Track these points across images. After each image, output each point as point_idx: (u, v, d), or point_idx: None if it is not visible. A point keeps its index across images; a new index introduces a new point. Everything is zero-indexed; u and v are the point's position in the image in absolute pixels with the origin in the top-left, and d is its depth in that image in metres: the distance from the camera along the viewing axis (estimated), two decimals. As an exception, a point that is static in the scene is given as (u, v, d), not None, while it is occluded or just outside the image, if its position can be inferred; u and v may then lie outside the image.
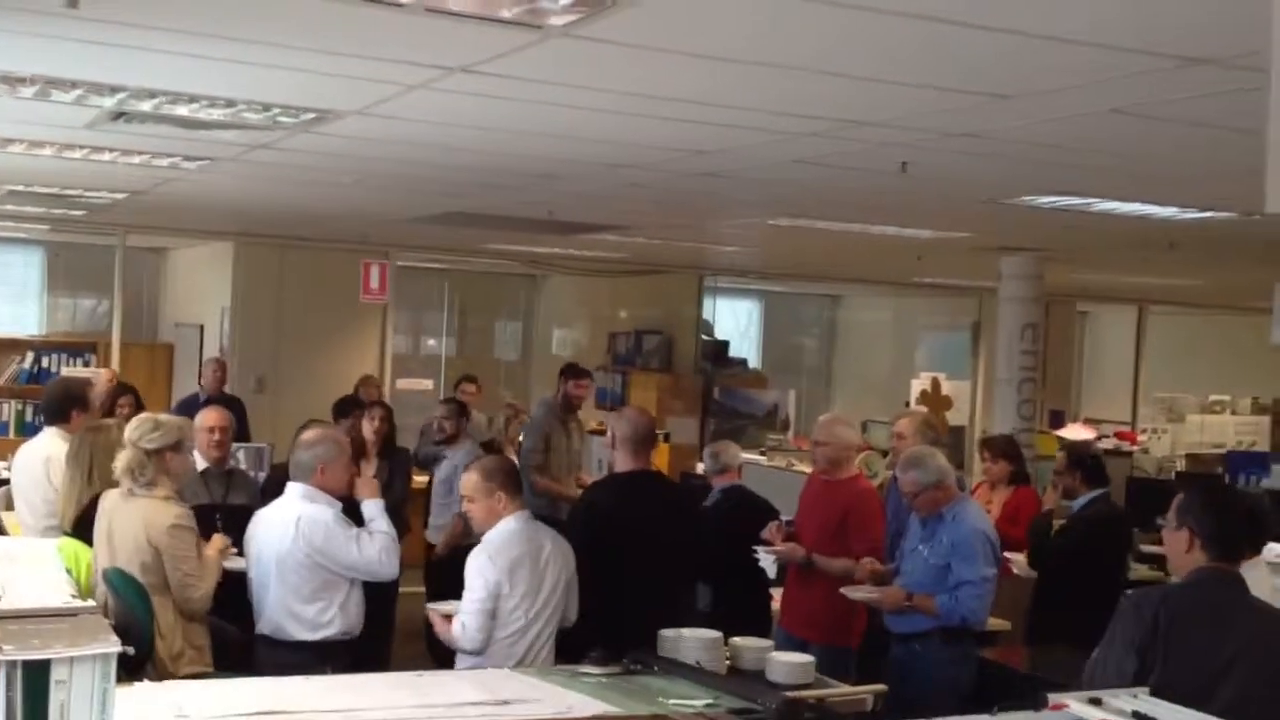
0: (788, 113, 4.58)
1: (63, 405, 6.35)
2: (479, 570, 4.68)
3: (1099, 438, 13.08)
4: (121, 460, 4.84)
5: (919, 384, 13.20)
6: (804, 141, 5.12)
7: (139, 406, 7.97)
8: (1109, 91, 3.94)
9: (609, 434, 5.43)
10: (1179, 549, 3.80)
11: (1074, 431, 13.07)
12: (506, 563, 4.69)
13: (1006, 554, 6.16)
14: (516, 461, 8.19)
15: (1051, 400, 14.60)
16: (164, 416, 5.07)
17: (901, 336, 16.68)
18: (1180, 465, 12.93)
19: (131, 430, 4.90)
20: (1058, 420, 14.23)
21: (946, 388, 12.97)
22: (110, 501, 4.91)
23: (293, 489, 4.99)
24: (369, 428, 7.40)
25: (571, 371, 8.60)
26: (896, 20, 3.24)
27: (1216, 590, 3.66)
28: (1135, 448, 13.28)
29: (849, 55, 3.72)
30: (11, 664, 2.34)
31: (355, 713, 3.82)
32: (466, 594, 4.69)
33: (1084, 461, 6.60)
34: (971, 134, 4.78)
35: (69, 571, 4.73)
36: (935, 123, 4.61)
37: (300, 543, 4.77)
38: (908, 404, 12.71)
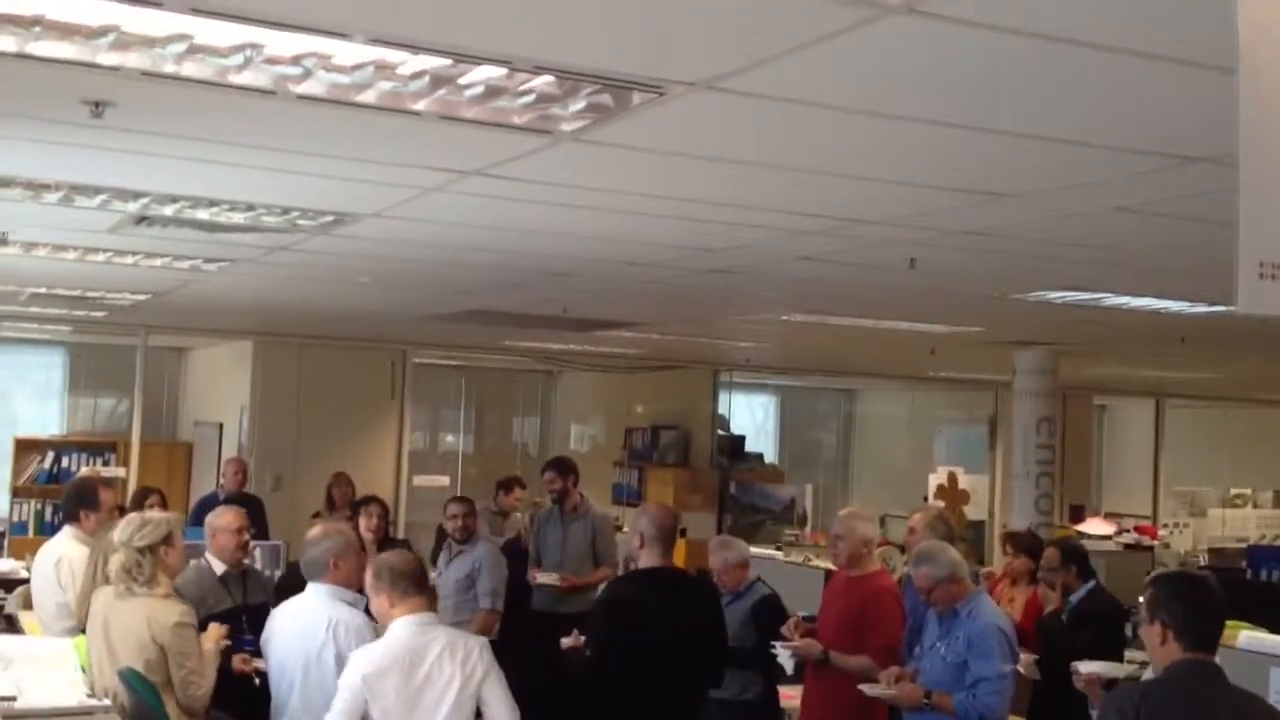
0: (795, 211, 4.66)
1: (74, 505, 6.39)
2: (344, 673, 4.48)
3: (1119, 532, 12.97)
4: (115, 562, 4.84)
5: (936, 478, 13.14)
6: (812, 239, 5.20)
7: (165, 507, 7.98)
8: (1111, 190, 4.00)
9: (633, 531, 5.43)
10: (1155, 643, 3.77)
11: (1093, 526, 12.96)
12: (366, 670, 4.42)
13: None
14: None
15: (1071, 494, 14.50)
16: (151, 514, 5.09)
17: (918, 430, 16.64)
18: (1203, 560, 12.80)
19: (121, 532, 4.91)
20: (1078, 514, 14.11)
21: (964, 481, 12.91)
22: (104, 601, 4.90)
23: (314, 589, 4.97)
24: (365, 524, 7.40)
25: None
26: (899, 124, 3.32)
27: (1194, 682, 3.63)
28: (1156, 542, 13.15)
29: (853, 157, 3.79)
30: (25, 764, 2.31)
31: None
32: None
33: (1076, 555, 6.60)
34: (977, 231, 4.84)
35: (84, 670, 4.74)
36: (941, 221, 4.67)
37: (332, 647, 4.72)
38: (925, 498, 12.64)
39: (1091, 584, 6.51)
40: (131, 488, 10.02)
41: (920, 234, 4.94)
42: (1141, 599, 3.80)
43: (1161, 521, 14.57)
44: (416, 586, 4.56)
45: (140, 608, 4.76)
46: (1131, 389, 15.03)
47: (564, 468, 8.51)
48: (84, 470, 11.60)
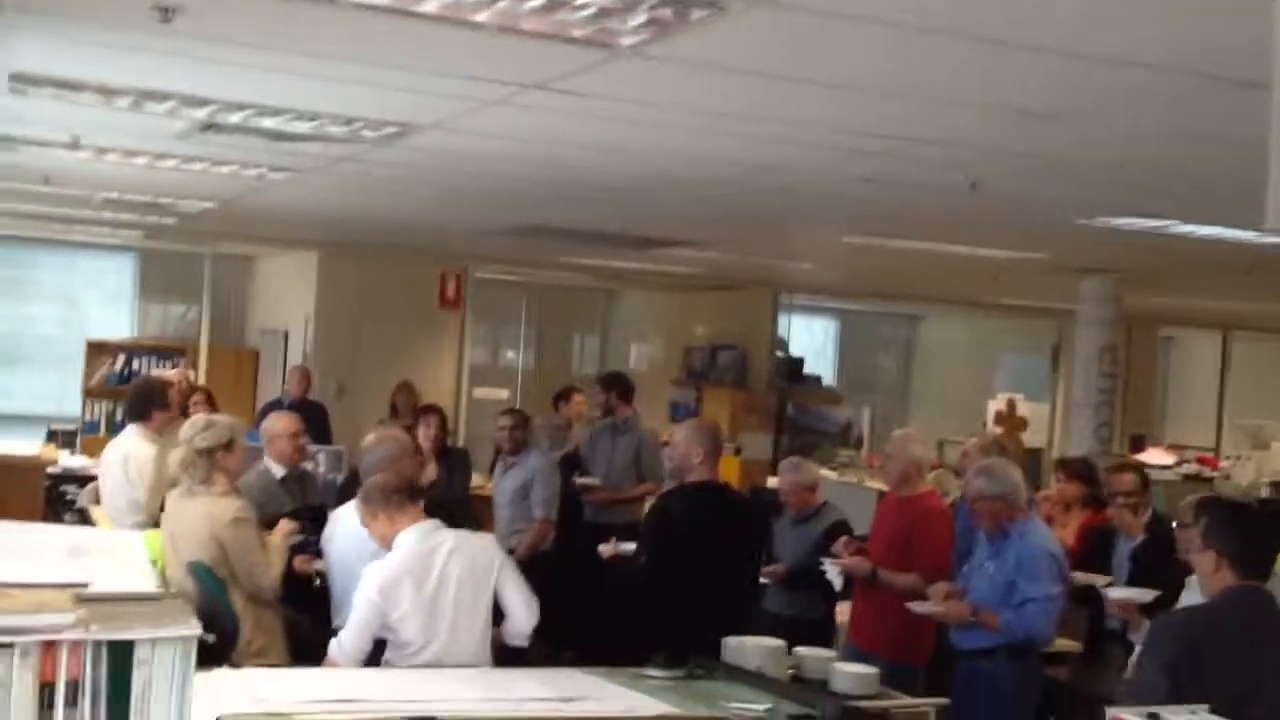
0: (855, 131, 4.65)
1: (143, 405, 6.58)
2: (359, 589, 4.59)
3: (1180, 462, 12.89)
4: (174, 458, 5.02)
5: (995, 405, 13.12)
6: (871, 159, 5.18)
7: (212, 405, 8.16)
8: (1179, 113, 3.96)
9: (678, 444, 5.51)
10: (1207, 570, 3.79)
11: (1154, 456, 12.88)
12: (380, 582, 4.53)
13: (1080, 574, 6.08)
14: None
15: (1133, 425, 14.41)
16: (217, 417, 5.24)
17: (980, 357, 16.56)
18: (1265, 492, 12.70)
19: (186, 430, 5.08)
20: (1138, 445, 14.04)
21: (1023, 409, 12.88)
22: (171, 502, 5.08)
23: None
24: (423, 434, 7.54)
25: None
26: (963, 43, 3.31)
27: (1245, 609, 3.65)
28: (1217, 473, 13.06)
29: (916, 76, 3.78)
30: (98, 644, 2.41)
31: (426, 704, 3.94)
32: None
33: (1148, 481, 6.51)
34: (1041, 154, 4.81)
35: (154, 564, 4.91)
36: (1004, 143, 4.65)
37: None
38: (984, 424, 12.63)
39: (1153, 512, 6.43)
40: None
41: (983, 156, 4.91)
42: (1176, 523, 3.83)
43: (1224, 454, 14.45)
44: (410, 498, 4.66)
45: (200, 506, 4.93)
46: (1198, 320, 14.84)
47: (608, 382, 8.70)
48: (158, 374, 11.89)
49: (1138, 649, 4.45)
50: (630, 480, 8.33)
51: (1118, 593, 5.07)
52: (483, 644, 4.60)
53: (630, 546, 5.50)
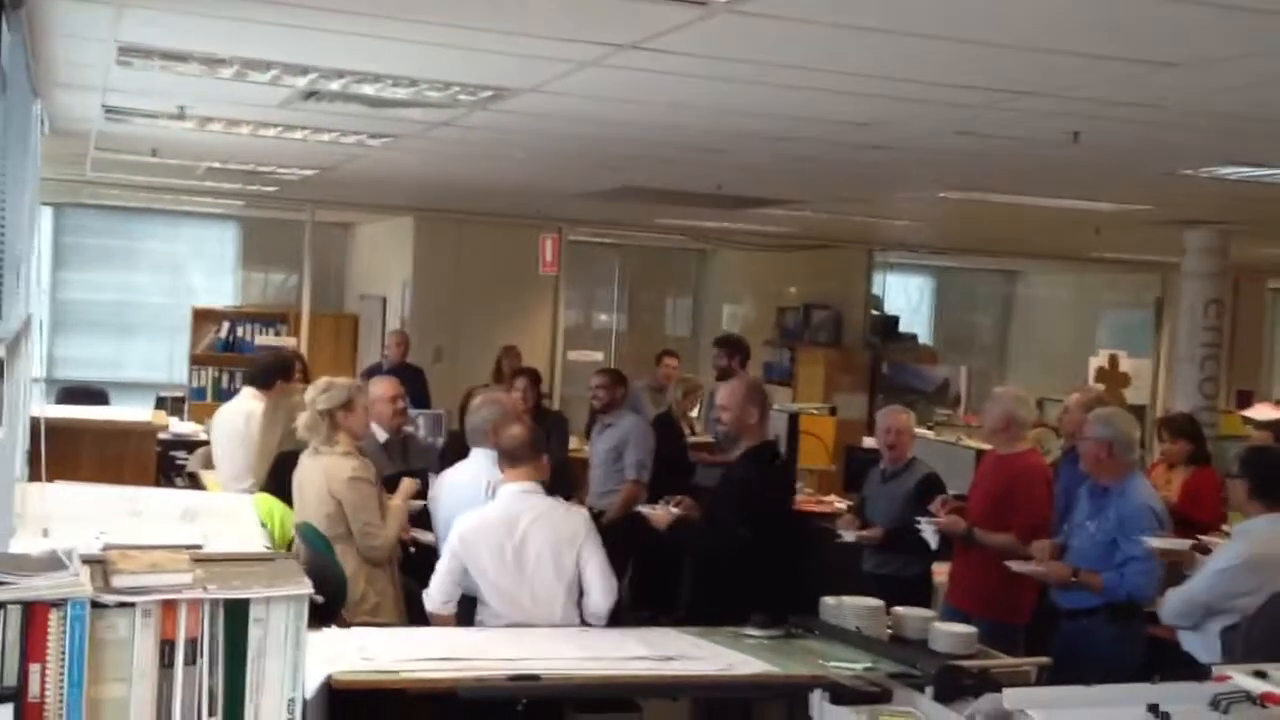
0: (953, 84, 4.58)
1: (270, 374, 6.74)
2: (449, 536, 4.78)
3: (1289, 418, 12.56)
4: (301, 420, 5.16)
5: (1096, 361, 12.87)
6: (970, 113, 5.10)
7: (305, 372, 8.30)
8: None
9: (732, 407, 5.43)
10: None
11: (1261, 411, 12.55)
12: (464, 531, 4.69)
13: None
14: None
15: (1239, 380, 14.07)
16: (339, 379, 5.34)
17: (1081, 313, 16.26)
18: (1376, 449, 12.34)
19: (309, 393, 5.22)
20: (1245, 400, 13.70)
21: (1125, 365, 12.61)
22: (303, 459, 5.22)
23: (476, 454, 5.28)
24: (515, 398, 7.61)
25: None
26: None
27: None
28: (1325, 429, 12.71)
29: (1015, 24, 3.71)
30: (215, 603, 2.48)
31: (526, 662, 4.01)
32: None
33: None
34: (1144, 104, 4.69)
35: (264, 525, 5.05)
36: (1106, 92, 4.54)
37: None
38: (1085, 381, 12.41)
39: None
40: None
41: (1084, 106, 4.80)
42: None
43: (1334, 409, 14.05)
44: (521, 458, 4.80)
45: (321, 464, 5.06)
46: (1308, 272, 14.44)
47: (729, 346, 8.74)
48: (262, 340, 12.17)
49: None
50: None
51: (1157, 542, 5.01)
52: (567, 614, 4.65)
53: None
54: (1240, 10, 3.35)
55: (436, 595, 4.75)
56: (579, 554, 4.65)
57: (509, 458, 4.83)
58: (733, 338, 8.99)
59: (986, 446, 6.69)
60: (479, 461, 5.27)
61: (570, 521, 4.72)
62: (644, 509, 5.78)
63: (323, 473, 5.03)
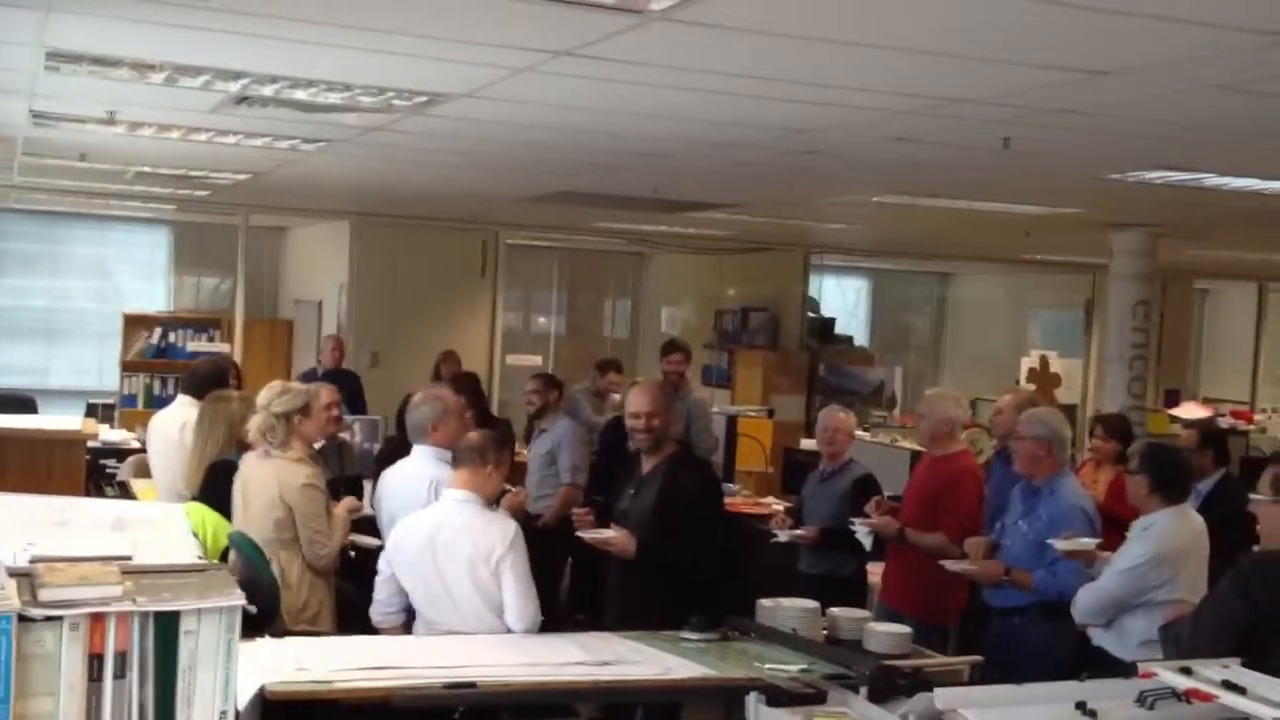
0: (888, 91, 4.63)
1: (208, 384, 6.62)
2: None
3: (1214, 416, 12.82)
4: (254, 424, 5.10)
5: (1028, 362, 13.06)
6: (905, 119, 5.16)
7: (240, 379, 8.20)
8: (1209, 68, 3.93)
9: (660, 409, 5.25)
10: (1278, 521, 3.84)
11: (1189, 410, 12.83)
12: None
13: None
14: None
15: (1168, 379, 14.34)
16: (293, 383, 5.32)
17: (1012, 314, 16.49)
18: (1301, 446, 12.63)
19: (263, 396, 5.16)
20: (1173, 399, 13.98)
21: (1056, 365, 12.82)
22: (248, 463, 5.17)
23: (418, 451, 5.27)
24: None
25: (666, 348, 8.74)
26: (1010, 2, 3.28)
27: None
28: (1251, 427, 12.99)
29: (949, 35, 3.76)
30: (145, 615, 2.45)
31: (462, 669, 4.00)
32: None
33: (1215, 439, 6.47)
34: (1073, 110, 4.77)
35: (196, 535, 4.98)
36: (1036, 100, 4.61)
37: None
38: (1017, 382, 12.59)
39: (1221, 472, 6.40)
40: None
41: (1016, 113, 4.88)
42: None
43: (1260, 407, 14.35)
44: (461, 461, 4.73)
45: (272, 469, 5.02)
46: (1234, 273, 14.71)
47: (689, 352, 8.68)
48: (194, 346, 12.01)
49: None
50: None
51: (1063, 544, 5.11)
52: (492, 628, 4.57)
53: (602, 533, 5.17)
54: (1167, 20, 3.42)
55: (378, 604, 4.73)
56: (496, 569, 4.54)
57: (454, 459, 4.81)
58: (687, 344, 9.00)
59: (922, 448, 6.75)
60: (420, 458, 5.24)
61: (489, 536, 4.56)
62: (588, 535, 5.29)
63: (274, 477, 4.98)
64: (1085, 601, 4.94)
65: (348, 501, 5.29)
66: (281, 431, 5.03)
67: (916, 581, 5.86)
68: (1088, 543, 5.12)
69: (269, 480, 4.99)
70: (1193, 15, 3.36)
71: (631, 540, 5.03)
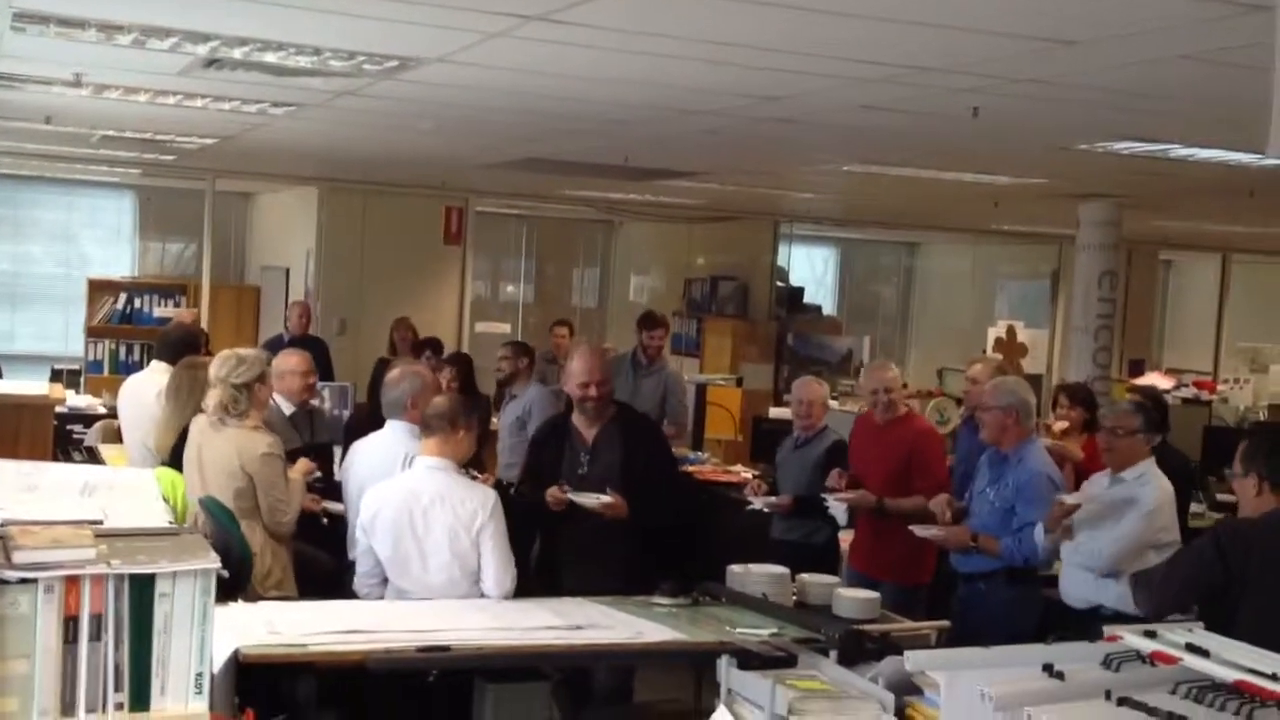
0: (857, 59, 4.64)
1: (181, 349, 6.59)
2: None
3: (1178, 386, 12.94)
4: (213, 397, 5.06)
5: (995, 332, 13.15)
6: (874, 87, 5.17)
7: (207, 344, 8.17)
8: (1176, 38, 3.96)
9: (606, 375, 5.29)
10: (1249, 494, 3.91)
11: (1152, 380, 12.95)
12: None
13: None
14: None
15: (1132, 350, 14.47)
16: (244, 351, 5.26)
17: (980, 284, 16.58)
18: (1263, 415, 12.77)
19: (218, 368, 5.11)
20: (1137, 369, 14.10)
21: (1023, 335, 12.90)
22: (198, 430, 5.13)
23: (392, 426, 5.24)
24: (445, 384, 7.55)
25: (646, 322, 8.64)
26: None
27: None
28: (1214, 397, 13.12)
29: (916, 2, 3.78)
30: (119, 577, 2.46)
31: (436, 633, 4.02)
32: None
33: (1156, 406, 6.58)
34: (1041, 80, 4.80)
35: (166, 500, 4.97)
36: (1004, 69, 4.64)
37: None
38: (984, 352, 12.67)
39: (1158, 439, 6.52)
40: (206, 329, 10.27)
41: (984, 82, 4.90)
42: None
43: (1222, 377, 14.51)
44: (432, 428, 4.70)
45: (231, 438, 4.99)
46: (1198, 244, 14.84)
47: (668, 326, 8.71)
48: (161, 312, 11.92)
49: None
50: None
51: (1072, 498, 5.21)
52: (466, 594, 4.58)
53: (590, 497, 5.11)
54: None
55: (361, 576, 4.73)
56: (477, 537, 4.55)
57: (423, 427, 4.79)
58: (666, 319, 8.98)
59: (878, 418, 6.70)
60: (395, 433, 5.22)
61: (470, 504, 4.58)
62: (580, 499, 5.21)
63: (234, 447, 4.97)
64: (1112, 552, 4.98)
65: (301, 465, 5.27)
66: (244, 402, 5.01)
67: (886, 546, 5.92)
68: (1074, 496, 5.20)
69: (228, 450, 4.97)
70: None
71: (623, 502, 5.04)
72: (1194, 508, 7.50)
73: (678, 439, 8.21)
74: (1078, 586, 5.17)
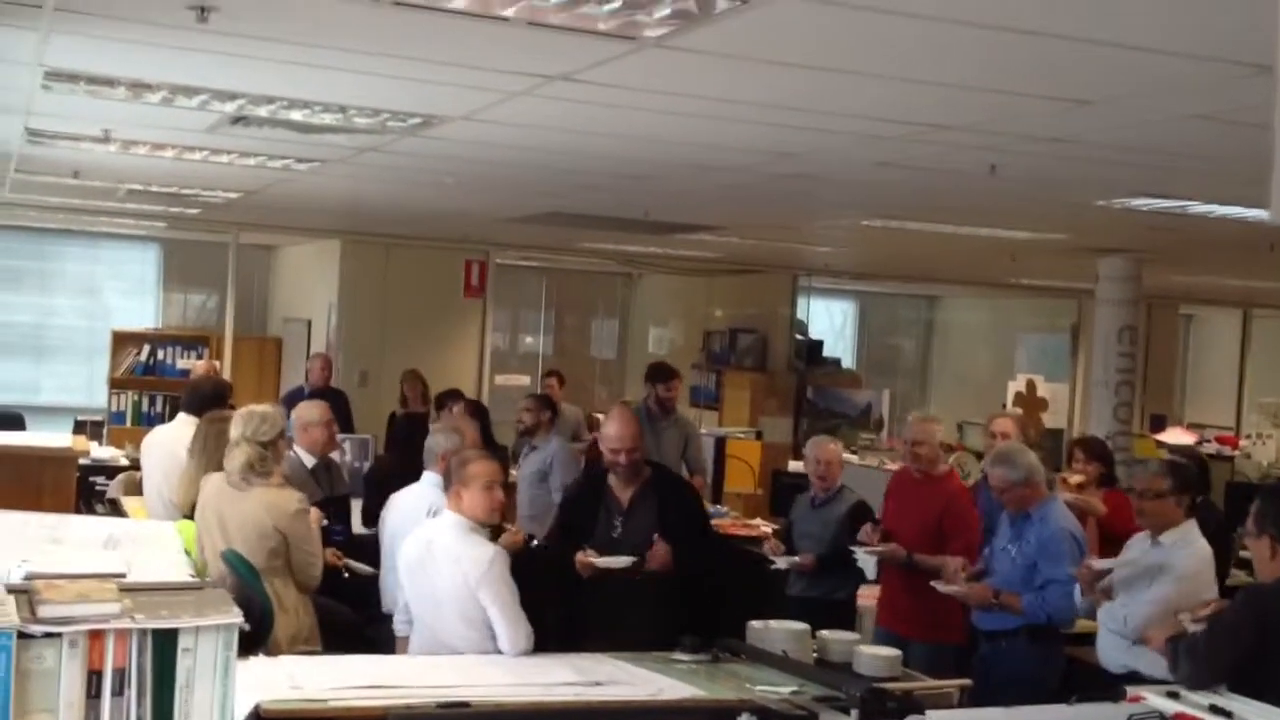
0: (875, 117, 4.68)
1: (210, 403, 6.60)
2: None
3: (1200, 442, 12.89)
4: (238, 457, 5.01)
5: (1015, 386, 13.12)
6: (891, 145, 5.21)
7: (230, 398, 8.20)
8: (1190, 98, 3.99)
9: (636, 437, 5.18)
10: (1264, 555, 3.86)
11: (1174, 436, 12.89)
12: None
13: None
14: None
15: (1153, 404, 14.42)
16: (262, 408, 5.23)
17: (999, 338, 16.54)
18: (1285, 472, 12.70)
19: (243, 427, 5.07)
20: (1159, 424, 14.04)
21: (1043, 390, 12.88)
22: (214, 489, 5.10)
23: (426, 477, 5.41)
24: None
25: (661, 374, 8.51)
26: (979, 31, 3.34)
27: None
28: (1237, 453, 13.05)
29: (933, 63, 3.82)
30: (143, 632, 2.46)
31: (457, 689, 4.01)
32: None
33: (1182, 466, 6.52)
34: (1058, 138, 4.83)
35: (187, 553, 4.98)
36: (1023, 127, 4.67)
37: None
38: (1004, 405, 12.64)
39: (1190, 499, 6.47)
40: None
41: (1002, 140, 4.94)
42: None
43: (1244, 433, 14.43)
44: (446, 485, 4.72)
45: (259, 498, 4.97)
46: (1219, 298, 14.81)
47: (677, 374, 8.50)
48: (184, 364, 12.00)
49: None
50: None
51: (1100, 563, 5.13)
52: (483, 648, 4.53)
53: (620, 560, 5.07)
54: (1148, 52, 3.48)
55: (400, 612, 4.84)
56: (475, 595, 4.49)
57: (445, 481, 4.83)
58: (659, 365, 8.81)
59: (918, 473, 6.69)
60: (425, 485, 5.37)
61: (464, 561, 4.51)
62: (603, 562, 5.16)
63: (263, 506, 4.95)
64: (1143, 615, 4.81)
65: (312, 515, 5.26)
66: (270, 460, 5.01)
67: (915, 604, 5.85)
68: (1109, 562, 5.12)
69: (257, 511, 4.95)
70: (1174, 47, 3.43)
71: (667, 550, 5.02)
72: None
73: (700, 489, 8.18)
74: (1112, 651, 5.04)
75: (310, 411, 6.12)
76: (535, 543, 7.24)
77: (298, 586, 4.93)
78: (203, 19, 3.49)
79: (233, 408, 6.16)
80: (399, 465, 7.02)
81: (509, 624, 4.51)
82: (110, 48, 4.20)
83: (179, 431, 6.59)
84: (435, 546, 4.60)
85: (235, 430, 5.11)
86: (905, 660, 4.95)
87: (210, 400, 6.66)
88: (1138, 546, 5.17)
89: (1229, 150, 4.95)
